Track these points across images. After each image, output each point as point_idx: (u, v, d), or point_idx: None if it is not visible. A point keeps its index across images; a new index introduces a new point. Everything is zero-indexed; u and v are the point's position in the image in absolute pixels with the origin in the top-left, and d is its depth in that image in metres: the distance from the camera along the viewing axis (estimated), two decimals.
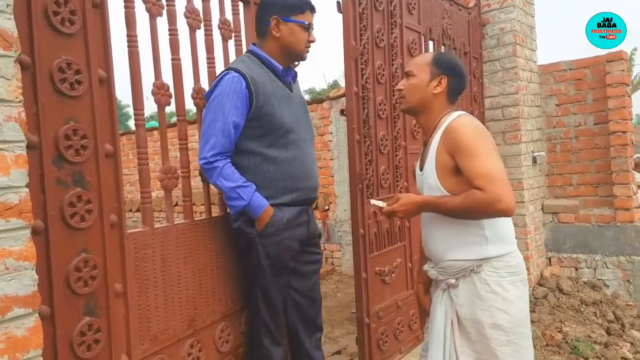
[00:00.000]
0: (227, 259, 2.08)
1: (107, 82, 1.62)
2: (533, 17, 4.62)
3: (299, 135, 2.04)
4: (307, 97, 10.93)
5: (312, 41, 2.08)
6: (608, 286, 4.33)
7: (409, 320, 2.97)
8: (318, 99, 6.00)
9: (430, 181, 1.74)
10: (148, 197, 1.78)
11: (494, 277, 1.67)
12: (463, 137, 1.63)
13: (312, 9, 2.07)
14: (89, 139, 1.53)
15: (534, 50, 4.62)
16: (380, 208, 1.78)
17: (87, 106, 1.54)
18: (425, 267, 1.88)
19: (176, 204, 5.13)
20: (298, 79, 2.22)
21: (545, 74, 4.67)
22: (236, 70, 1.92)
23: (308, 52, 2.10)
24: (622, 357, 3.50)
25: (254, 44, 2.11)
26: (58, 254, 1.44)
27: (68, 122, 1.48)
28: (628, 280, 4.24)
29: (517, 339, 1.69)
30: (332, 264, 5.92)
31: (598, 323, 3.93)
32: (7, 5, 1.23)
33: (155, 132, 7.65)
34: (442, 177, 1.69)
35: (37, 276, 1.24)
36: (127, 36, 1.75)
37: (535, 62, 4.62)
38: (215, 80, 1.96)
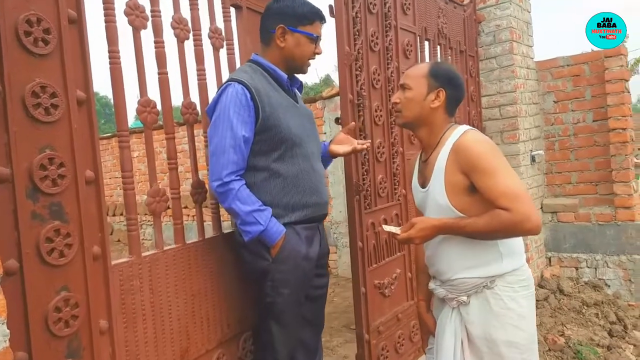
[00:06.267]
0: (221, 282, 1.97)
1: (87, 104, 1.51)
2: (529, 12, 4.52)
3: (306, 148, 1.92)
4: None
5: (318, 53, 1.96)
6: (609, 286, 4.28)
7: (409, 332, 2.89)
8: (311, 98, 5.87)
9: (439, 200, 1.65)
10: (134, 225, 1.66)
11: (508, 292, 1.61)
12: (478, 156, 1.55)
13: (322, 20, 1.94)
14: (67, 167, 1.42)
15: (531, 47, 4.53)
16: (394, 234, 1.66)
17: (65, 131, 1.42)
18: (432, 285, 1.79)
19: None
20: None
21: (543, 71, 4.58)
22: (239, 82, 1.79)
23: (310, 65, 1.98)
24: None
25: (256, 54, 1.98)
26: (35, 296, 1.33)
27: (43, 150, 1.37)
28: (629, 280, 4.18)
29: (529, 357, 1.64)
30: (329, 267, 5.82)
31: (600, 325, 3.87)
32: None
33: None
34: (453, 197, 1.61)
35: (8, 331, 1.13)
36: (109, 52, 1.63)
37: (532, 58, 4.53)
38: (217, 93, 1.83)
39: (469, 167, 1.56)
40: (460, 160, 1.58)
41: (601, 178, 4.33)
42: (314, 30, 1.90)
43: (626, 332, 3.82)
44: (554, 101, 4.56)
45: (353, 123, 2.25)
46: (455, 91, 1.72)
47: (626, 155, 4.15)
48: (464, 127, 1.68)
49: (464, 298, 1.66)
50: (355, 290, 2.52)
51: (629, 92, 4.25)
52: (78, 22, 1.49)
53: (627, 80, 4.18)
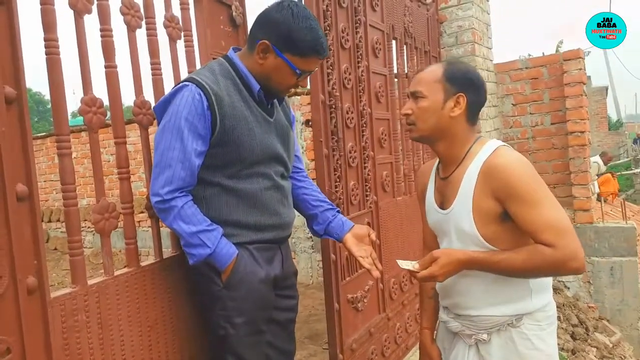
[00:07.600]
0: (182, 308, 1.72)
1: (18, 102, 1.23)
2: (489, 14, 4.49)
3: (270, 167, 1.66)
4: None
5: (302, 86, 1.70)
6: (569, 288, 4.30)
7: (381, 346, 2.72)
8: None
9: (464, 228, 1.43)
10: (79, 248, 1.38)
11: (535, 330, 1.42)
12: (518, 181, 1.33)
13: (320, 56, 1.59)
14: None
15: (490, 49, 4.50)
16: (412, 272, 1.41)
17: None
18: (443, 317, 1.59)
19: None
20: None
21: (501, 73, 4.57)
22: (198, 84, 1.51)
23: (289, 92, 1.71)
24: None
25: (235, 48, 1.69)
26: None
27: None
28: (589, 282, 4.21)
29: None
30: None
31: (563, 328, 3.87)
32: None
33: (83, 134, 7.01)
34: (481, 224, 1.40)
35: None
36: (45, 40, 1.35)
37: (491, 60, 4.51)
38: (170, 93, 1.54)
39: (504, 193, 1.35)
40: (494, 184, 1.36)
41: (559, 181, 4.35)
42: (303, 65, 1.57)
43: (588, 335, 3.84)
44: (512, 104, 4.55)
45: (374, 236, 1.86)
46: (477, 95, 1.47)
47: (584, 158, 4.18)
48: (495, 143, 1.45)
49: (484, 336, 1.47)
50: (329, 307, 2.32)
51: (586, 95, 4.29)
52: (7, 3, 1.21)
53: (584, 84, 4.21)
